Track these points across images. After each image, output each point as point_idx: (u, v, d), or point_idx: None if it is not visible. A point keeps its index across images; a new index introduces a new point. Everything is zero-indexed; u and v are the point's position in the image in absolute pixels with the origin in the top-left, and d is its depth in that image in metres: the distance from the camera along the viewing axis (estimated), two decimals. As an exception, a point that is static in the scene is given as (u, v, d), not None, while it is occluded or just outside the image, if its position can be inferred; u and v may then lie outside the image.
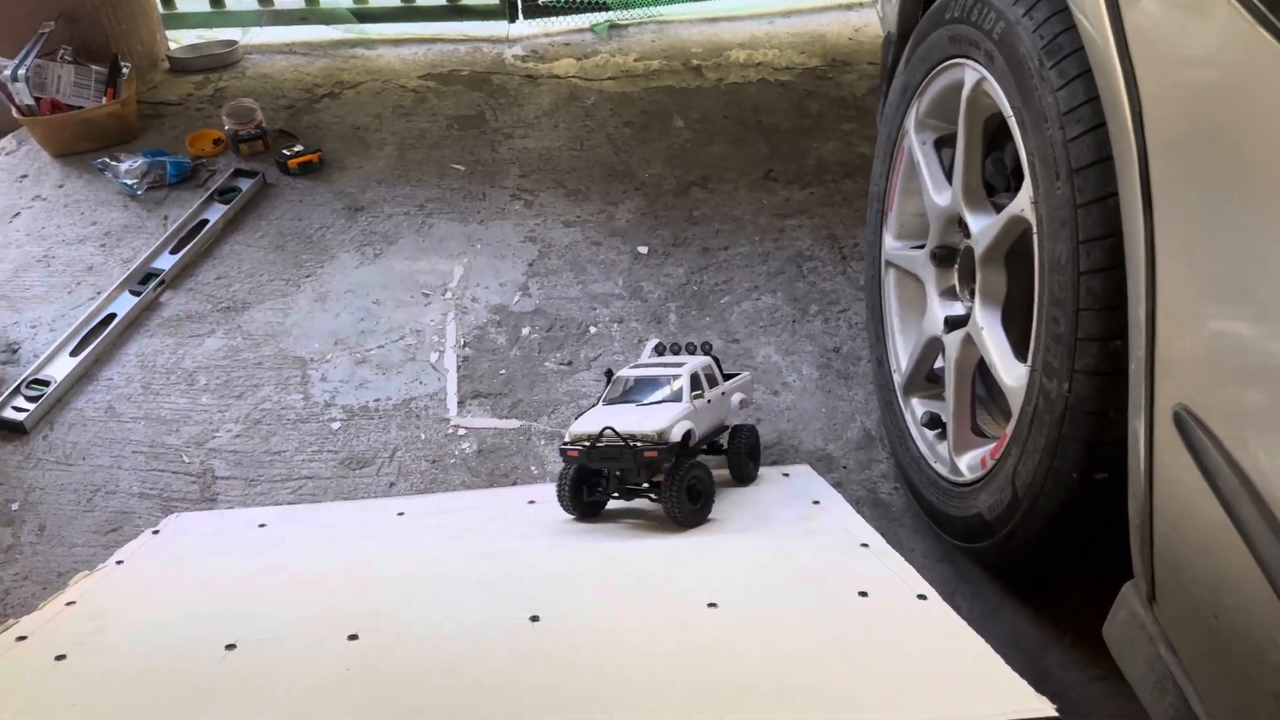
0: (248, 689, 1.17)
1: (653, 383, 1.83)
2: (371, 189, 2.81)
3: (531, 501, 1.90)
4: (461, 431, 2.16)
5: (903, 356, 2.03)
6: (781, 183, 2.76)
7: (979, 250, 1.64)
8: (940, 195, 1.81)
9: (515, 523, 1.79)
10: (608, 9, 3.52)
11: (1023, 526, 1.52)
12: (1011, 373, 1.56)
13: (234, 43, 3.41)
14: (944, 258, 1.84)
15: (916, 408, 1.96)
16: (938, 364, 1.98)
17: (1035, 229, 1.46)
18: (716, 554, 1.54)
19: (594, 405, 1.84)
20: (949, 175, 1.83)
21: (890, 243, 2.05)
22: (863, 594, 1.34)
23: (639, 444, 1.64)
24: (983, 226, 1.65)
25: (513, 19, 3.54)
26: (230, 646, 1.27)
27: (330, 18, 3.51)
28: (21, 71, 2.77)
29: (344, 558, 1.64)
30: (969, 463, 1.72)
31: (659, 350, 1.98)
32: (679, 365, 1.85)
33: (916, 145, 1.89)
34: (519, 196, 2.77)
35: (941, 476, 1.80)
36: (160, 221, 2.72)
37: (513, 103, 3.12)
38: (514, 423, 2.17)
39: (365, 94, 3.18)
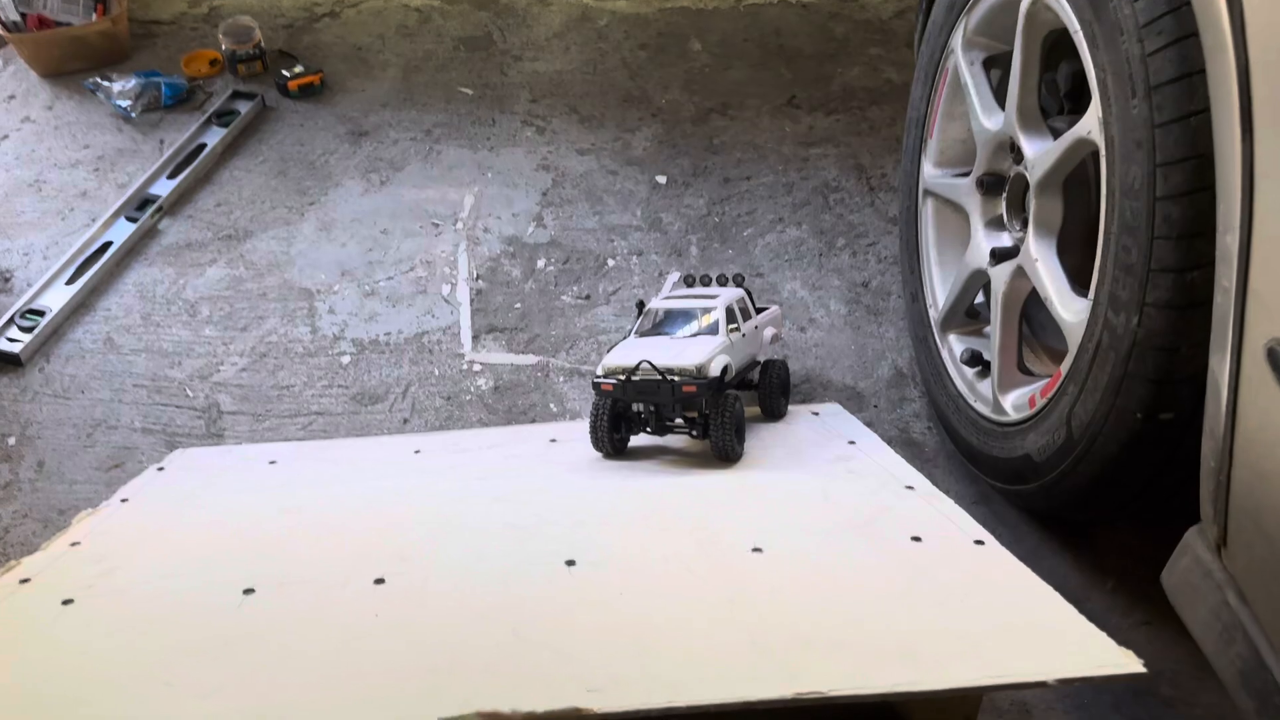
0: (270, 635, 1.10)
1: (686, 315, 1.74)
2: (376, 113, 2.68)
3: (553, 440, 1.83)
4: (477, 367, 2.07)
5: (940, 291, 1.95)
6: (805, 109, 2.65)
7: (1034, 176, 1.55)
8: (990, 119, 1.71)
9: (539, 461, 1.71)
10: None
11: (1077, 468, 1.45)
12: (1069, 307, 1.47)
13: (228, -42, 3.25)
14: (991, 186, 1.74)
15: (955, 344, 1.88)
16: (978, 299, 1.90)
17: (1104, 151, 1.36)
18: (756, 495, 1.47)
19: (625, 338, 1.76)
20: (999, 97, 1.73)
21: (930, 171, 1.95)
22: (916, 539, 1.27)
23: (677, 378, 1.56)
24: (1040, 151, 1.55)
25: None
26: (249, 591, 1.20)
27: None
28: (5, -15, 2.63)
29: (362, 497, 1.57)
30: (1015, 402, 1.65)
31: (688, 282, 1.89)
32: (712, 297, 1.76)
33: (964, 65, 1.78)
34: (530, 123, 2.65)
35: (983, 416, 1.73)
36: (156, 145, 2.60)
37: (521, 23, 2.98)
38: (531, 358, 2.09)
39: (367, 13, 3.04)
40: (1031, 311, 1.70)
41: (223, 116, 2.64)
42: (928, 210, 1.98)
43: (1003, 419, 1.65)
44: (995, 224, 1.76)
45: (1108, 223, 1.35)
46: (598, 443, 1.67)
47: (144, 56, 2.88)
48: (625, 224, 2.37)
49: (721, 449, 1.59)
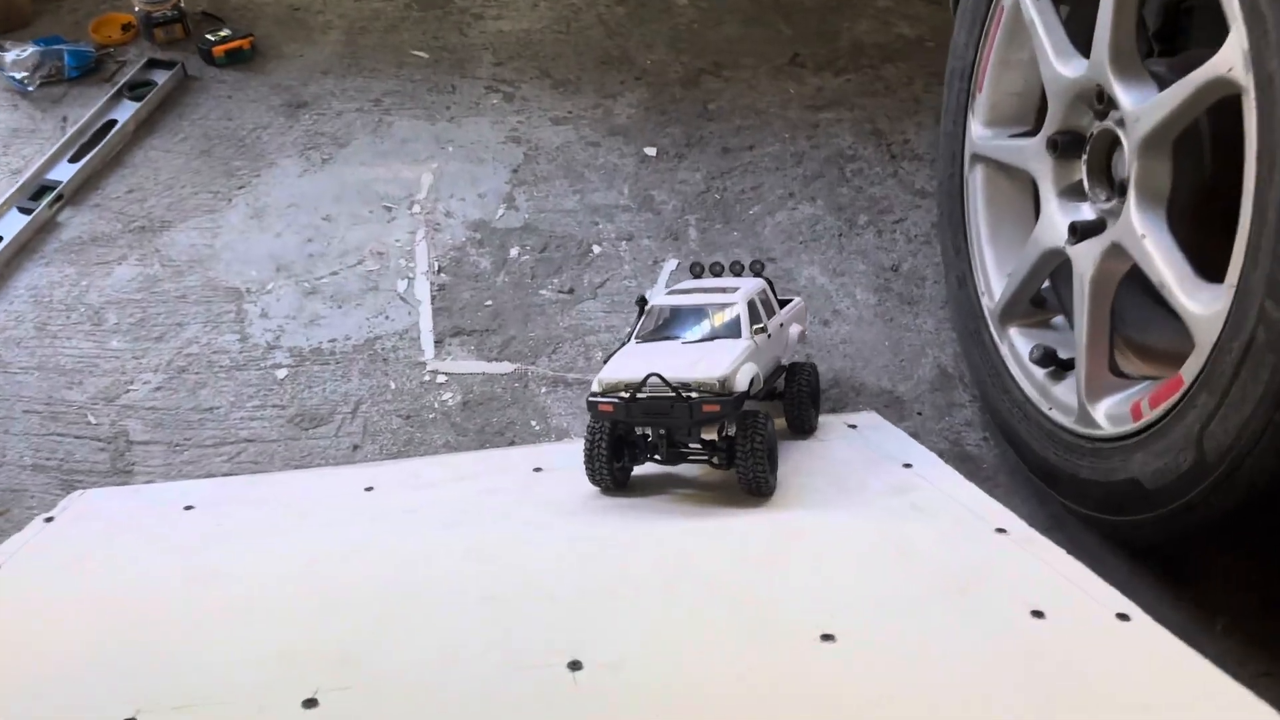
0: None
1: (699, 314, 1.41)
2: (315, 81, 2.32)
3: (538, 469, 1.49)
4: (441, 378, 1.73)
5: (994, 275, 1.63)
6: (810, 69, 2.32)
7: (1138, 133, 1.23)
8: (1066, 64, 1.39)
9: (521, 499, 1.38)
10: None
11: (1211, 499, 1.13)
12: (1196, 295, 1.16)
13: (144, -88, 2.85)
14: (1067, 146, 1.42)
15: (1017, 340, 1.56)
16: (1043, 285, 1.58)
17: (1254, 94, 1.04)
18: (807, 548, 1.15)
19: (623, 343, 1.42)
20: (1074, 39, 1.41)
21: (979, 131, 1.63)
22: (1037, 614, 0.95)
23: (695, 395, 1.23)
24: (1147, 101, 1.23)
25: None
26: (127, 725, 0.85)
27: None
28: None
29: (298, 560, 1.23)
30: (1110, 411, 1.33)
31: (694, 272, 1.55)
32: (729, 291, 1.44)
33: (1028, 1, 1.46)
34: (496, 89, 2.30)
35: (1063, 428, 1.41)
36: (58, 124, 2.22)
37: (482, -22, 2.63)
38: (506, 366, 1.75)
39: (305, -30, 2.67)
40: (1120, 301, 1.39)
41: (136, 88, 2.26)
42: (976, 178, 1.66)
43: (1093, 432, 1.34)
44: (1073, 192, 1.43)
45: (1261, 188, 1.04)
46: (595, 475, 1.34)
47: (46, 22, 2.49)
48: (611, 204, 2.03)
49: (753, 482, 1.27)
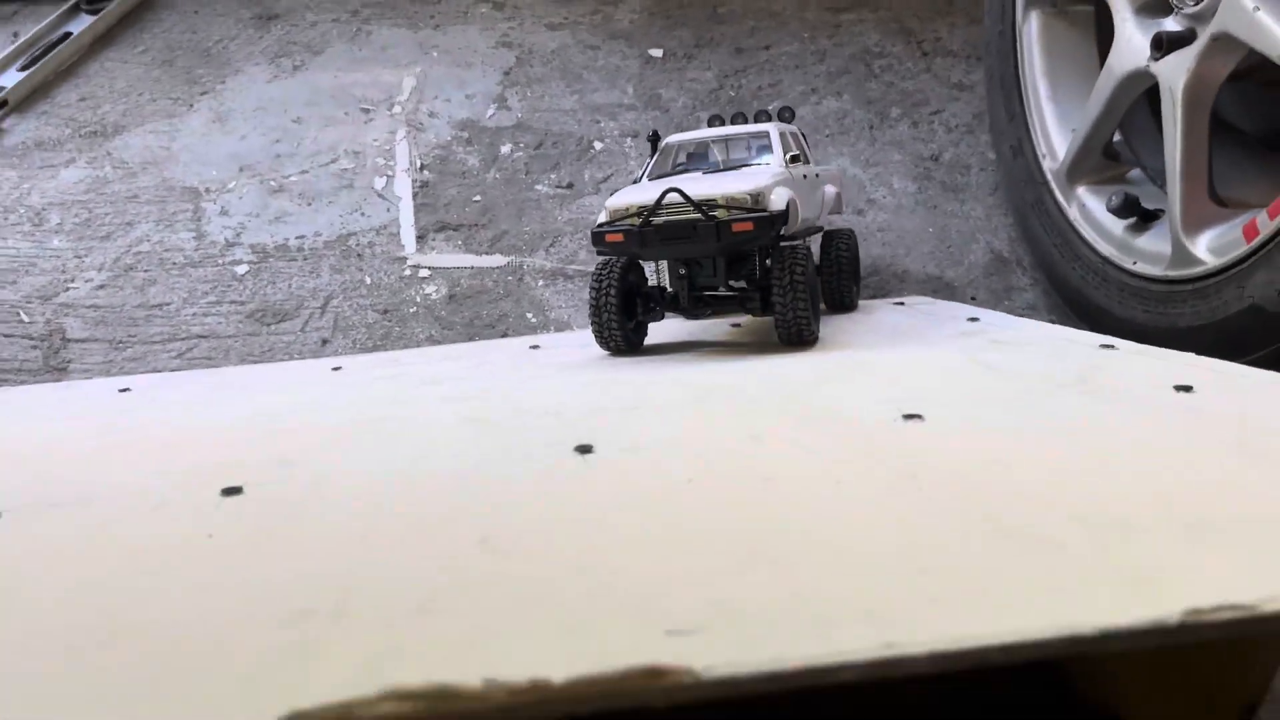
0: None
1: (723, 146, 1.21)
2: (290, -4, 2.13)
3: (535, 347, 1.28)
4: (424, 272, 1.52)
5: (1056, 134, 1.43)
6: (828, -25, 2.13)
7: (1247, -111, 1.03)
8: None
9: (517, 367, 1.15)
10: None
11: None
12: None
13: None
14: (1145, -47, 1.23)
15: (1088, 199, 1.36)
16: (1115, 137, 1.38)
17: None
18: (873, 368, 0.92)
19: (635, 182, 1.20)
20: None
21: (1034, -30, 1.44)
22: (1184, 388, 0.72)
23: (722, 214, 1.01)
24: None
25: None
26: (-16, 517, 0.63)
27: None
28: None
29: (243, 414, 1.00)
30: (1214, 242, 1.12)
31: (713, 123, 1.34)
32: (757, 127, 1.23)
33: None
34: None
35: (1153, 279, 1.20)
36: (8, 39, 2.02)
37: (472, -97, 2.45)
38: (497, 259, 1.53)
39: (282, -101, 2.49)
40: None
41: (94, 3, 2.07)
42: (1031, 29, 1.46)
43: (1194, 271, 1.13)
44: (1153, 8, 1.23)
45: None
46: (603, 331, 1.12)
47: (0, -53, 2.31)
48: (614, 102, 1.83)
49: (793, 325, 1.04)
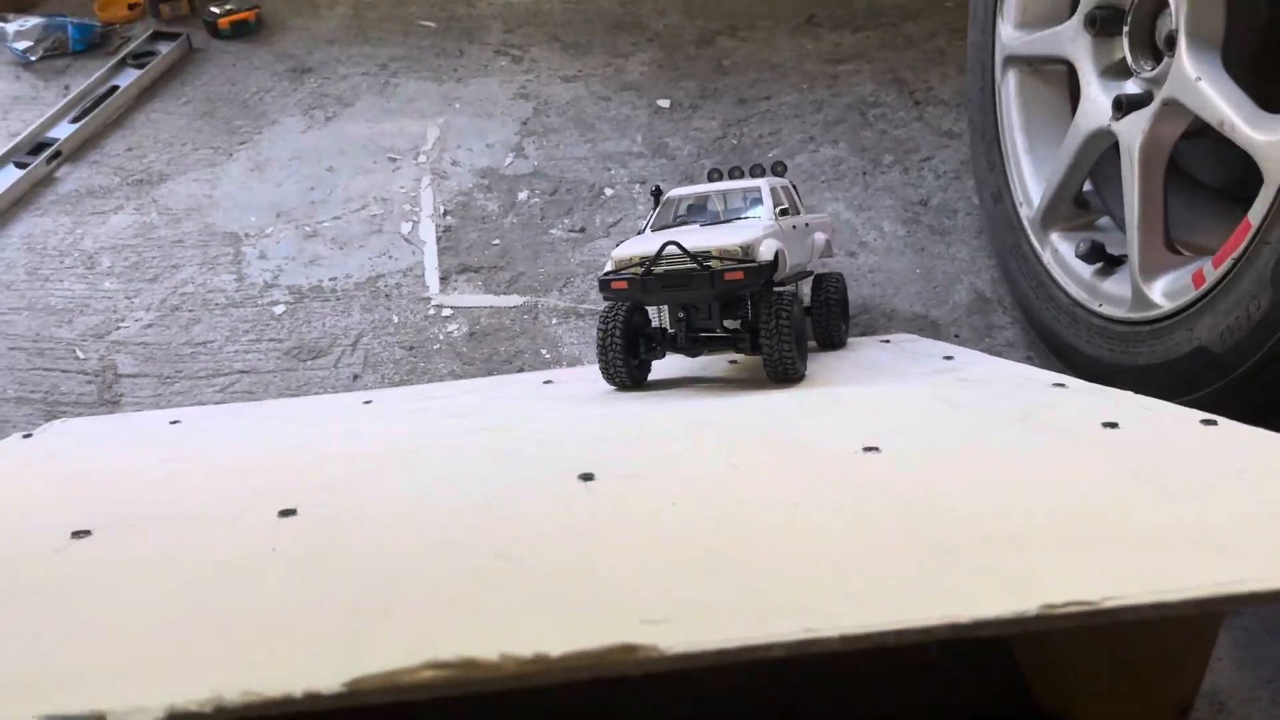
0: (100, 580, 0.66)
1: (718, 199, 1.32)
2: (321, 50, 2.27)
3: (548, 382, 1.39)
4: (446, 311, 1.64)
5: (1032, 183, 1.54)
6: (828, 27, 2.26)
7: (1188, -30, 1.15)
8: (1103, -70, 1.32)
9: (531, 400, 1.27)
10: None
11: (1293, 343, 1.03)
12: (1260, 125, 1.06)
13: (155, -90, 2.86)
14: (1106, 21, 1.34)
15: (1060, 244, 1.46)
16: (1086, 187, 1.49)
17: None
18: (847, 405, 1.04)
19: (639, 233, 1.33)
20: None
21: (1010, 34, 1.55)
22: (1110, 425, 0.83)
23: (716, 264, 1.13)
24: (1194, -65, 1.15)
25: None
26: (81, 534, 0.75)
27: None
28: (-122, -88, 2.22)
29: (288, 443, 1.12)
30: (1169, 287, 1.23)
31: (713, 177, 1.46)
32: (750, 183, 1.35)
33: (1059, -124, 1.40)
34: (505, 52, 2.25)
35: (1117, 320, 1.31)
36: (60, 93, 2.17)
37: (492, -41, 2.60)
38: (515, 299, 1.66)
39: (313, -45, 2.65)
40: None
41: (140, 58, 2.22)
42: (1009, 86, 1.57)
43: (1151, 314, 1.24)
44: (1114, 71, 1.35)
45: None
46: (609, 369, 1.24)
47: (53, 3, 2.47)
48: (624, 150, 1.95)
49: (779, 364, 1.16)
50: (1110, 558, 0.54)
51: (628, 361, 1.23)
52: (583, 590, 0.55)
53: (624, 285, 1.17)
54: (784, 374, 1.17)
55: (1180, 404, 1.07)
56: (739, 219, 1.27)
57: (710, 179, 1.46)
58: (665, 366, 1.36)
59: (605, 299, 1.21)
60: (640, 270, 1.15)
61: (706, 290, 1.14)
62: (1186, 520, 0.60)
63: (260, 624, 0.55)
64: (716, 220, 1.29)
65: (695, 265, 1.13)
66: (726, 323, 1.23)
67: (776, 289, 1.19)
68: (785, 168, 1.45)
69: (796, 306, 1.18)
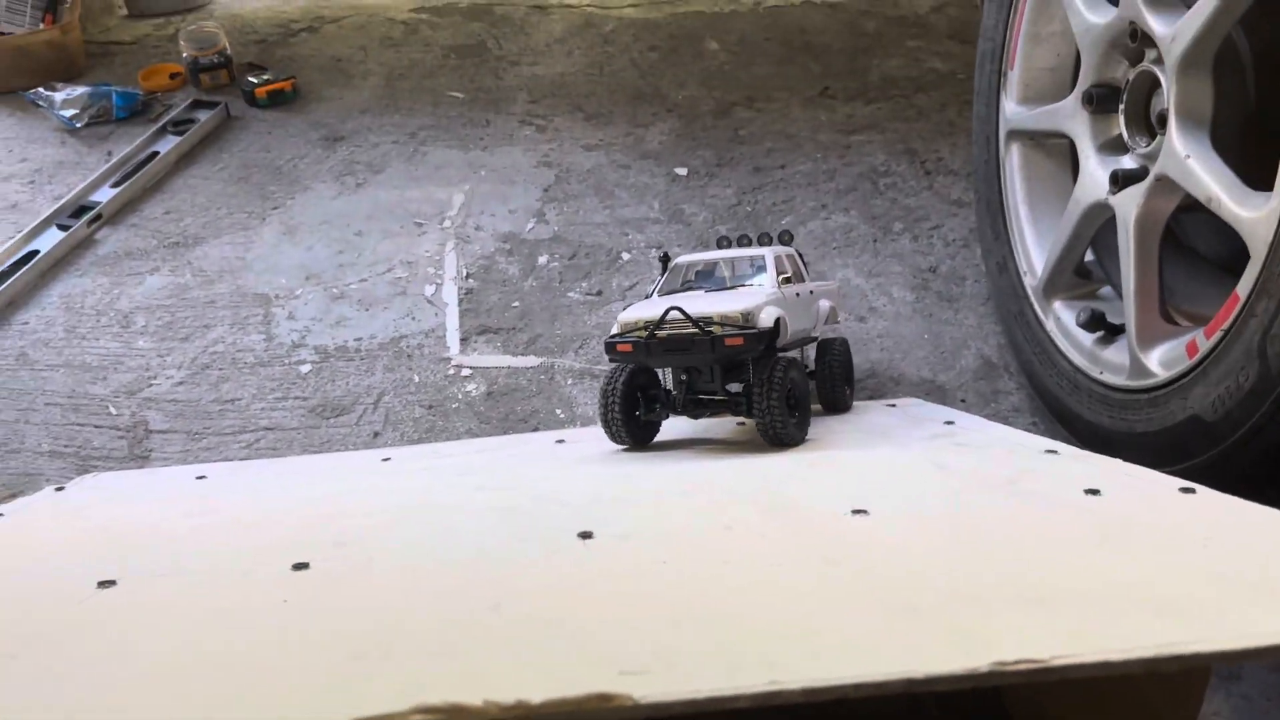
0: (122, 629, 0.70)
1: (724, 267, 1.37)
2: (353, 119, 2.37)
3: (560, 441, 1.43)
4: (465, 371, 1.69)
5: (1036, 253, 1.58)
6: (841, 99, 2.32)
7: (1175, 53, 1.19)
8: (1096, 11, 1.37)
9: (541, 459, 1.31)
10: (624, -58, 3.10)
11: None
12: (1247, 201, 1.10)
13: (201, -15, 3.00)
14: (1103, 99, 1.39)
15: (1063, 313, 1.50)
16: (1088, 257, 1.53)
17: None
18: (840, 468, 1.07)
19: (646, 298, 1.38)
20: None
21: (1013, 109, 1.60)
22: (1092, 491, 0.86)
23: (717, 330, 1.17)
24: (1179, 21, 1.20)
25: (517, -45, 3.13)
26: (106, 583, 0.79)
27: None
28: (-60, -11, 2.35)
29: (306, 498, 1.17)
30: (1164, 357, 1.26)
31: (721, 244, 1.52)
32: (754, 251, 1.40)
33: (1056, -39, 1.45)
34: (529, 122, 2.33)
35: (1116, 388, 1.33)
36: (103, 158, 2.27)
37: (519, 31, 2.70)
38: (532, 360, 1.71)
39: (348, 28, 2.76)
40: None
41: (180, 125, 2.32)
42: (1013, 159, 1.62)
43: (1147, 382, 1.26)
44: (1111, 146, 1.39)
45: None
46: (611, 425, 1.27)
47: (99, 74, 2.59)
48: (641, 217, 2.01)
49: (770, 428, 1.19)
50: (1066, 618, 0.58)
51: (628, 422, 1.27)
52: (568, 641, 0.59)
53: (629, 349, 1.22)
54: (776, 438, 1.20)
55: (1172, 472, 1.09)
56: (743, 285, 1.32)
57: (719, 246, 1.51)
58: (673, 427, 1.40)
59: (610, 360, 1.26)
60: (644, 334, 1.20)
61: (707, 355, 1.18)
62: (1146, 583, 0.63)
63: (268, 669, 0.59)
64: (722, 286, 1.34)
65: (697, 330, 1.18)
66: (730, 386, 1.27)
67: (779, 354, 1.23)
68: (791, 236, 1.50)
69: (795, 371, 1.22)
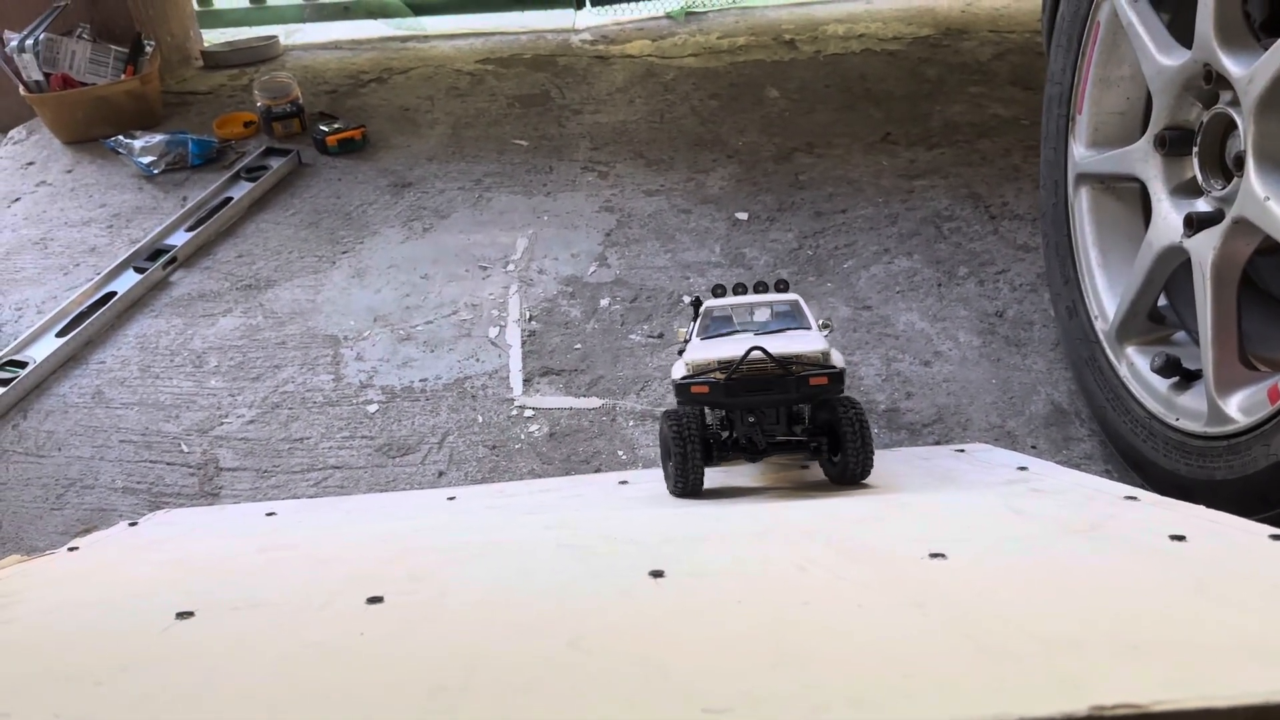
0: (201, 660, 0.71)
1: (758, 311, 1.35)
2: (421, 166, 2.42)
3: (624, 482, 1.43)
4: (528, 412, 1.70)
5: (1106, 297, 1.55)
6: (903, 145, 2.32)
7: (1253, 95, 1.18)
8: (1169, 55, 1.36)
9: (606, 500, 1.31)
10: (685, -7, 3.16)
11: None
12: (1335, 243, 1.08)
13: (274, 38, 3.10)
14: (1176, 142, 1.37)
15: (1136, 358, 1.47)
16: (1161, 301, 1.50)
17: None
18: (915, 510, 1.05)
19: (687, 342, 1.35)
20: (1175, 34, 1.39)
21: (1082, 153, 1.59)
22: (1177, 537, 0.84)
23: (799, 370, 1.16)
24: (1258, 61, 1.18)
25: (579, 6, 3.19)
26: (184, 615, 0.80)
27: (381, 10, 3.20)
28: (29, 43, 2.45)
29: (376, 535, 1.18)
30: (1244, 403, 1.23)
31: (718, 293, 1.47)
32: (788, 297, 1.38)
33: (1126, 5, 1.44)
34: (591, 168, 2.36)
35: (1193, 435, 1.30)
36: (178, 203, 2.34)
37: (581, 81, 2.74)
38: (594, 401, 1.71)
39: (416, 79, 2.83)
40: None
41: (252, 171, 2.39)
42: (1082, 202, 1.60)
43: (1227, 429, 1.23)
44: (1185, 189, 1.37)
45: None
46: (688, 475, 1.21)
47: (176, 122, 2.68)
48: (702, 260, 2.02)
49: (860, 466, 1.18)
50: (1164, 663, 0.56)
51: (700, 468, 1.24)
52: (649, 678, 0.58)
53: (705, 390, 1.20)
54: (856, 477, 1.18)
55: (1257, 520, 1.06)
56: (792, 329, 1.30)
57: (715, 295, 1.46)
58: (738, 470, 1.39)
59: (681, 403, 1.24)
60: (720, 375, 1.18)
61: (792, 394, 1.17)
62: (1245, 630, 0.61)
63: (348, 700, 0.59)
64: (769, 330, 1.32)
65: (781, 370, 1.16)
66: (793, 426, 1.26)
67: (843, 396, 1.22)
68: (788, 285, 1.46)
69: (863, 413, 1.21)
